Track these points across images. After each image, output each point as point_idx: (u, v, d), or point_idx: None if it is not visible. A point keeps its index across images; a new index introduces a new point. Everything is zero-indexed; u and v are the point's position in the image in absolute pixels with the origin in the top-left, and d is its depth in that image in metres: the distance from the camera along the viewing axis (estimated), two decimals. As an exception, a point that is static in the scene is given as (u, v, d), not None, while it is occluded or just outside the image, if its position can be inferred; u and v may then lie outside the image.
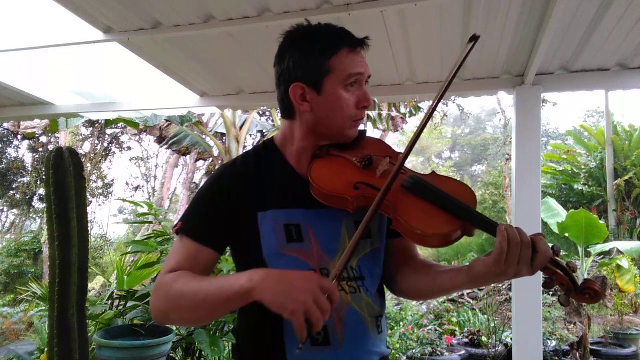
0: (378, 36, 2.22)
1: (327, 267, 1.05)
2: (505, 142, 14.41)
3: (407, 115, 6.85)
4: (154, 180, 18.09)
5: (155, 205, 4.15)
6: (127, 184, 18.00)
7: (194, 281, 1.00)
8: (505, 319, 5.22)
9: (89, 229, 4.44)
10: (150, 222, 3.84)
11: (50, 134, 12.26)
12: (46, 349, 2.75)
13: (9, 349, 3.46)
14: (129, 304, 3.24)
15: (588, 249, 5.06)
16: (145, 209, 3.35)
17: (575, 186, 11.50)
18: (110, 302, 3.57)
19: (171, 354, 3.18)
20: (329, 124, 1.09)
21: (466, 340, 5.18)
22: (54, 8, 2.02)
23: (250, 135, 8.13)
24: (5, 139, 13.87)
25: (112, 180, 15.58)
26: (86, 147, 14.20)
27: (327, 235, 1.08)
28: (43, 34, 2.38)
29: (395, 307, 6.42)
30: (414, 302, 6.41)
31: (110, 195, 15.30)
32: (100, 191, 14.67)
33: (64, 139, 12.06)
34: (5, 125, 9.70)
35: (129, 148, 16.02)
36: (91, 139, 14.21)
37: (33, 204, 14.47)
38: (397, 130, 7.21)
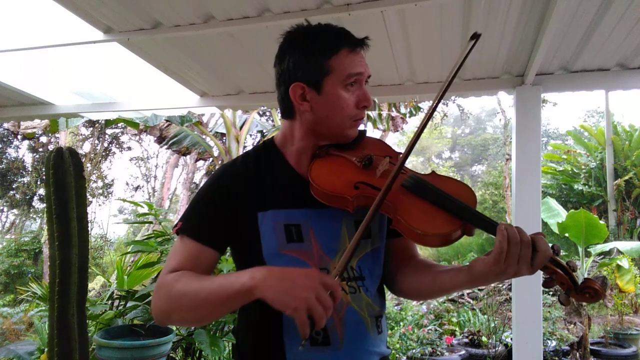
0: (378, 36, 2.22)
1: (327, 266, 1.05)
2: (505, 142, 14.42)
3: (407, 115, 6.85)
4: (154, 180, 18.10)
5: (155, 205, 4.15)
6: (127, 184, 18.01)
7: (196, 280, 1.00)
8: (505, 319, 5.22)
9: (89, 229, 4.44)
10: (150, 222, 3.84)
11: (50, 134, 12.27)
12: (46, 349, 2.75)
13: (9, 349, 3.45)
14: (129, 304, 3.24)
15: (588, 249, 5.06)
16: (145, 209, 3.35)
17: (575, 186, 11.50)
18: (110, 302, 3.57)
19: (171, 354, 3.18)
20: (329, 123, 1.09)
21: (466, 340, 5.18)
22: (54, 8, 2.02)
23: (250, 135, 8.13)
24: (5, 139, 13.87)
25: (112, 180, 15.59)
26: (86, 147, 14.21)
27: (327, 235, 1.08)
28: (43, 34, 2.38)
29: (395, 307, 6.42)
30: (414, 302, 6.41)
31: (110, 195, 15.31)
32: (100, 191, 14.68)
33: (64, 139, 12.06)
34: (5, 125, 9.70)
35: (129, 148, 16.03)
36: (91, 139, 14.22)
37: (33, 204, 14.47)
38: (397, 130, 7.21)
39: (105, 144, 14.83)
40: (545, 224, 5.57)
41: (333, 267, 1.05)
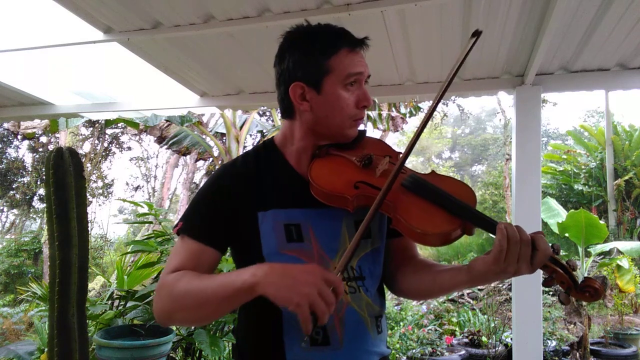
0: (378, 36, 2.22)
1: (327, 266, 1.05)
2: (505, 142, 14.41)
3: (407, 115, 6.85)
4: (154, 180, 18.10)
5: (155, 205, 4.15)
6: (127, 184, 18.01)
7: (197, 279, 1.00)
8: (505, 319, 5.22)
9: (89, 229, 4.44)
10: (150, 222, 3.84)
11: (50, 134, 12.27)
12: (46, 349, 2.75)
13: (9, 349, 3.45)
14: (129, 304, 3.24)
15: (588, 249, 5.06)
16: (145, 209, 3.35)
17: (575, 186, 11.50)
18: (110, 302, 3.57)
19: (171, 354, 3.18)
20: (329, 123, 1.09)
21: (466, 340, 5.18)
22: (54, 8, 2.02)
23: (250, 135, 8.13)
24: (5, 139, 13.87)
25: (112, 180, 15.59)
26: (86, 147, 14.21)
27: (327, 234, 1.08)
28: (43, 34, 2.38)
29: (395, 307, 6.42)
30: (414, 302, 6.41)
31: (110, 195, 15.30)
32: (100, 191, 14.68)
33: (64, 139, 12.06)
34: (5, 125, 9.70)
35: (129, 148, 16.03)
36: (91, 139, 14.22)
37: (33, 204, 14.47)
38: (397, 130, 7.21)
39: (105, 144, 14.83)
40: (545, 224, 5.57)
41: (333, 266, 1.05)
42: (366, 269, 1.11)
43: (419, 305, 6.28)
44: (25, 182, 14.02)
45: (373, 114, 6.38)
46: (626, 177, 10.38)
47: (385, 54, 2.45)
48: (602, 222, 4.92)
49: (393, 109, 6.63)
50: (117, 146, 15.30)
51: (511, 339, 4.18)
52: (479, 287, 7.33)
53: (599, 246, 5.10)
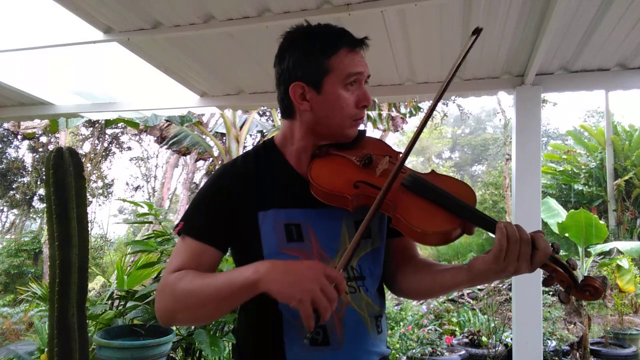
0: (378, 36, 2.22)
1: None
2: (505, 142, 14.41)
3: (407, 115, 6.85)
4: (154, 180, 18.10)
5: (155, 205, 4.15)
6: (127, 184, 18.01)
7: (199, 278, 0.99)
8: (505, 319, 5.22)
9: (89, 229, 4.44)
10: (150, 222, 3.84)
11: (50, 134, 12.27)
12: (46, 349, 2.75)
13: (9, 349, 3.45)
14: (129, 304, 3.24)
15: (588, 249, 5.06)
16: (145, 209, 3.35)
17: (575, 186, 11.50)
18: (110, 302, 3.57)
19: (171, 354, 3.18)
20: (329, 123, 1.10)
21: (466, 340, 5.18)
22: (54, 8, 2.02)
23: (250, 135, 8.13)
24: (5, 139, 13.87)
25: (112, 180, 15.60)
26: (86, 147, 14.21)
27: (327, 234, 1.08)
28: (43, 34, 2.38)
29: (395, 307, 6.42)
30: (414, 302, 6.41)
31: (110, 195, 15.31)
32: (100, 191, 14.68)
33: (64, 139, 12.06)
34: (5, 125, 9.70)
35: (129, 148, 16.03)
36: (91, 139, 14.22)
37: (33, 204, 14.47)
38: (397, 130, 7.21)
39: (105, 144, 14.83)
40: (545, 224, 5.57)
41: (333, 266, 1.05)
42: (366, 268, 1.11)
43: (419, 305, 6.28)
44: (25, 182, 14.02)
45: (373, 114, 6.38)
46: (626, 177, 10.38)
47: (385, 54, 2.45)
48: (602, 222, 4.92)
49: (393, 109, 6.64)
50: (117, 146, 15.31)
51: (511, 339, 4.18)
52: (479, 287, 7.33)
53: (599, 246, 5.10)
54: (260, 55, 2.50)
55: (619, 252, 5.66)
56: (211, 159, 9.64)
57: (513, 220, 2.62)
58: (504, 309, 6.31)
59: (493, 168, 19.11)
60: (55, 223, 2.59)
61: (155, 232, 3.39)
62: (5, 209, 15.71)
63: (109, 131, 14.52)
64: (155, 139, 7.18)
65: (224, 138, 6.72)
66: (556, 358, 4.75)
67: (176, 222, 1.14)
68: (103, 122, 8.17)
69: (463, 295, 7.50)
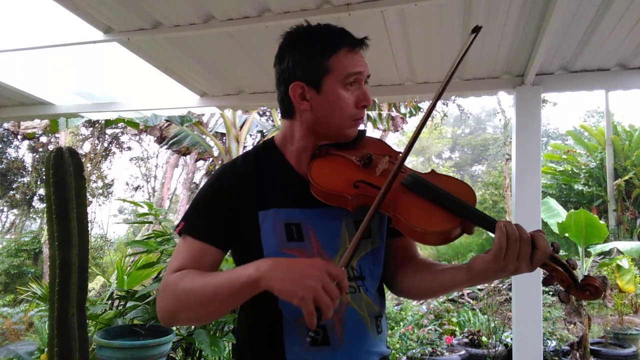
0: (378, 36, 2.22)
1: (328, 265, 1.05)
2: (505, 142, 14.41)
3: (407, 115, 6.86)
4: (154, 180, 18.11)
5: (155, 205, 4.15)
6: (127, 184, 18.02)
7: (200, 277, 0.99)
8: (505, 319, 5.22)
9: (89, 229, 4.44)
10: (150, 222, 3.84)
11: (50, 134, 12.27)
12: (46, 349, 2.76)
13: (9, 349, 3.45)
14: (129, 304, 3.24)
15: (588, 249, 5.06)
16: (145, 209, 3.35)
17: (575, 186, 11.50)
18: (110, 302, 3.57)
19: (171, 354, 3.18)
20: (329, 123, 1.10)
21: (466, 340, 5.18)
22: (54, 8, 2.03)
23: (250, 135, 8.13)
24: (5, 139, 13.87)
25: (112, 180, 15.60)
26: (86, 147, 14.21)
27: (327, 234, 1.08)
28: (43, 34, 2.39)
29: (395, 307, 6.42)
30: (414, 302, 6.41)
31: (110, 195, 15.31)
32: (100, 191, 14.68)
33: (64, 139, 12.07)
34: (5, 125, 9.70)
35: (129, 148, 16.03)
36: (91, 139, 14.22)
37: (33, 204, 14.48)
38: (397, 130, 7.22)
39: (105, 144, 14.84)
40: (545, 224, 5.57)
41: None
42: (366, 268, 1.11)
43: (419, 305, 6.28)
44: (25, 182, 14.03)
45: (373, 114, 6.38)
46: (626, 177, 10.38)
47: (385, 54, 2.45)
48: (602, 222, 4.92)
49: (393, 109, 6.64)
50: (117, 146, 15.31)
51: (511, 339, 4.18)
52: (479, 287, 7.33)
53: (599, 246, 5.10)
54: (260, 55, 2.50)
55: (619, 252, 5.66)
56: (211, 159, 9.64)
57: (513, 220, 2.61)
58: (504, 309, 6.31)
59: (493, 168, 19.11)
60: (55, 223, 2.59)
61: (155, 232, 3.39)
62: (5, 209, 15.72)
63: (109, 131, 14.53)
64: (155, 139, 7.18)
65: (224, 138, 6.72)
66: (556, 358, 4.75)
67: (176, 222, 1.14)
68: (103, 122, 8.18)
69: (463, 295, 7.50)
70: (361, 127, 1.16)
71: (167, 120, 6.32)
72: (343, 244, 1.08)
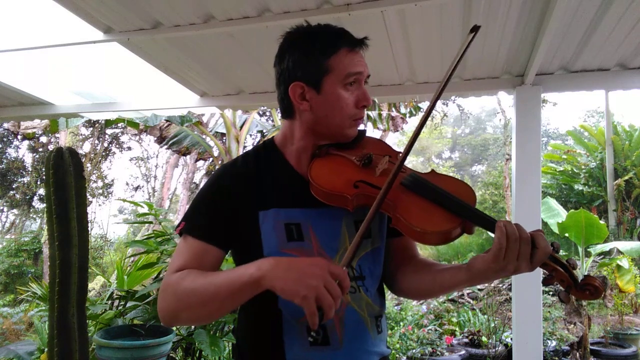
0: (378, 36, 2.22)
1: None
2: (505, 142, 14.41)
3: (407, 115, 6.86)
4: (154, 180, 18.11)
5: (155, 205, 4.15)
6: (127, 184, 18.02)
7: (201, 277, 0.99)
8: (505, 319, 5.22)
9: (89, 229, 4.44)
10: (150, 222, 3.84)
11: (50, 134, 12.27)
12: (46, 349, 2.76)
13: (9, 349, 3.45)
14: (129, 304, 3.24)
15: (588, 249, 5.06)
16: (145, 209, 3.35)
17: (575, 186, 11.50)
18: (110, 302, 3.57)
19: (171, 354, 3.18)
20: (329, 123, 1.10)
21: (466, 340, 5.18)
22: (54, 8, 2.03)
23: (250, 135, 8.13)
24: (5, 139, 13.88)
25: (112, 180, 15.60)
26: (86, 147, 14.22)
27: (328, 234, 1.08)
28: (43, 34, 2.39)
29: (395, 307, 6.42)
30: (414, 302, 6.41)
31: (110, 195, 15.31)
32: (100, 191, 14.68)
33: (64, 139, 12.07)
34: (5, 125, 9.70)
35: (129, 148, 16.03)
36: (91, 139, 14.22)
37: (33, 204, 14.48)
38: (397, 130, 7.22)
39: (105, 144, 14.84)
40: (545, 224, 5.57)
41: (334, 266, 1.05)
42: (366, 268, 1.11)
43: (419, 305, 6.28)
44: (25, 182, 14.03)
45: (373, 114, 6.38)
46: (626, 177, 10.38)
47: (385, 54, 2.45)
48: (602, 222, 4.92)
49: (393, 109, 6.64)
50: (117, 146, 15.31)
51: (511, 339, 4.18)
52: (479, 287, 7.33)
53: (599, 246, 5.10)
54: (260, 55, 2.50)
55: (619, 252, 5.66)
56: (211, 159, 9.64)
57: (513, 220, 2.61)
58: (504, 309, 6.31)
59: (493, 168, 19.11)
60: (55, 223, 2.59)
61: (155, 232, 3.39)
62: (5, 209, 15.72)
63: (109, 131, 14.53)
64: (155, 139, 7.18)
65: (224, 138, 6.72)
66: (556, 358, 4.75)
67: (176, 222, 1.14)
68: (103, 122, 8.18)
69: (463, 295, 7.50)
70: (361, 127, 1.16)
71: (167, 120, 6.32)
72: (343, 244, 1.08)
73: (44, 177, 3.28)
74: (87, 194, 4.02)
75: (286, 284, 0.87)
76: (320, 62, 1.06)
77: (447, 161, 30.72)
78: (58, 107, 3.36)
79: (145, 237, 3.62)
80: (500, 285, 7.03)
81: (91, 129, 13.77)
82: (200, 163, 14.73)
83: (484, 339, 4.98)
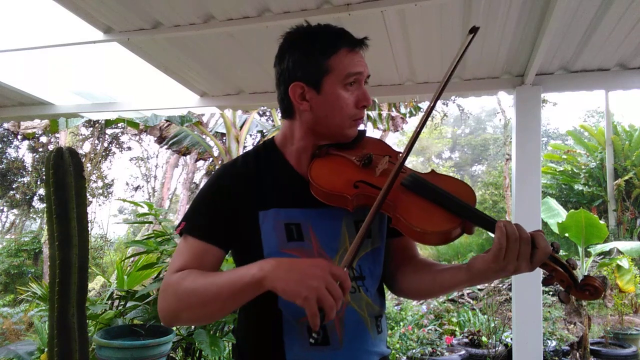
0: (378, 36, 2.22)
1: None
2: (505, 142, 14.41)
3: (407, 115, 6.86)
4: (154, 180, 18.10)
5: (155, 205, 4.15)
6: (127, 184, 18.02)
7: (202, 277, 0.99)
8: (505, 319, 5.22)
9: (89, 229, 4.44)
10: (150, 222, 3.84)
11: (50, 134, 12.27)
12: (46, 349, 2.76)
13: (9, 349, 3.45)
14: (129, 304, 3.24)
15: (588, 249, 5.06)
16: (145, 209, 3.35)
17: (575, 186, 11.50)
18: (110, 302, 3.57)
19: (171, 354, 3.18)
20: (329, 123, 1.10)
21: (466, 340, 5.18)
22: (54, 8, 2.03)
23: (250, 135, 8.13)
24: (5, 139, 13.87)
25: (112, 180, 15.60)
26: (86, 147, 14.21)
27: (328, 234, 1.08)
28: (43, 34, 2.39)
29: (395, 307, 6.42)
30: (414, 302, 6.41)
31: (110, 195, 15.31)
32: (100, 191, 14.68)
33: (64, 139, 12.06)
34: (5, 125, 9.70)
35: (129, 148, 16.03)
36: (91, 139, 14.22)
37: (33, 204, 14.48)
38: (397, 130, 7.22)
39: (105, 144, 14.84)
40: (545, 224, 5.57)
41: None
42: (366, 268, 1.11)
43: (419, 305, 6.28)
44: (25, 182, 14.02)
45: (373, 114, 6.38)
46: (626, 177, 10.38)
47: (385, 54, 2.45)
48: (602, 222, 4.92)
49: (393, 109, 6.64)
50: (117, 146, 15.31)
51: (511, 339, 4.18)
52: (479, 287, 7.33)
53: (599, 246, 5.10)
54: (260, 55, 2.50)
55: (619, 252, 5.66)
56: (211, 159, 9.64)
57: (513, 220, 2.61)
58: (504, 309, 6.31)
59: (493, 168, 19.11)
60: (55, 223, 2.59)
61: (155, 232, 3.39)
62: (5, 209, 15.72)
63: (109, 131, 14.53)
64: (155, 139, 7.18)
65: (224, 138, 6.72)
66: (556, 358, 4.75)
67: (176, 222, 1.14)
68: (103, 122, 8.18)
69: (463, 295, 7.50)
70: (361, 127, 1.16)
71: (167, 120, 6.32)
72: (343, 244, 1.08)
73: (44, 177, 3.28)
74: (87, 194, 4.02)
75: (288, 285, 0.87)
76: (320, 62, 1.06)
77: (447, 161, 30.73)
78: (58, 107, 3.36)
79: (145, 237, 3.62)
80: (500, 285, 7.03)
81: (91, 129, 13.77)
82: (200, 163, 14.74)
83: (484, 339, 4.98)
